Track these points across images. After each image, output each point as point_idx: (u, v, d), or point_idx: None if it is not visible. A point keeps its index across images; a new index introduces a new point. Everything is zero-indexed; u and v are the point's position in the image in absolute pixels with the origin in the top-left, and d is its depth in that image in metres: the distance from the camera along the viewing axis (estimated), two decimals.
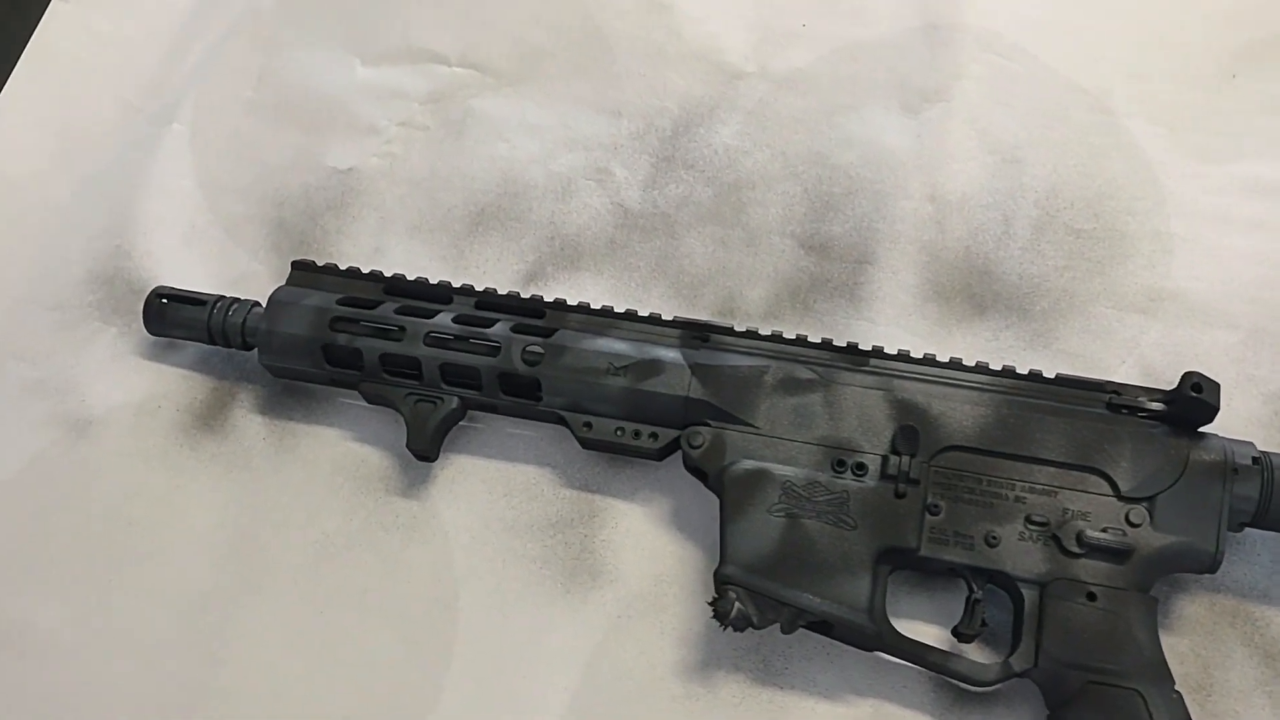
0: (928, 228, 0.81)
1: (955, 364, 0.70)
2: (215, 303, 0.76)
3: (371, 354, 0.73)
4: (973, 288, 0.79)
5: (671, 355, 0.71)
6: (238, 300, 0.76)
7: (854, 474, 0.67)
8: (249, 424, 0.77)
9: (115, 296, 0.82)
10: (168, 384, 0.79)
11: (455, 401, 0.73)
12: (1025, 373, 0.69)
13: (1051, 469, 0.67)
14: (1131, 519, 0.65)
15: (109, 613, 0.72)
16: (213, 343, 0.76)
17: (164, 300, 0.77)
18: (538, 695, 0.69)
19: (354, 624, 0.71)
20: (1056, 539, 0.65)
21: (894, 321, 0.79)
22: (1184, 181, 0.82)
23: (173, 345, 0.80)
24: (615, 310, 0.74)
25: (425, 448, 0.72)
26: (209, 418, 0.78)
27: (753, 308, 0.80)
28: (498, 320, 0.73)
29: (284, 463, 0.76)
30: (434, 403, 0.73)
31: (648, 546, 0.73)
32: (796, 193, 0.84)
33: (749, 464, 0.68)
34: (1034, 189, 0.82)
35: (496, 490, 0.75)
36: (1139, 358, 0.77)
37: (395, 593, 0.72)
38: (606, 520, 0.74)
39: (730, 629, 0.65)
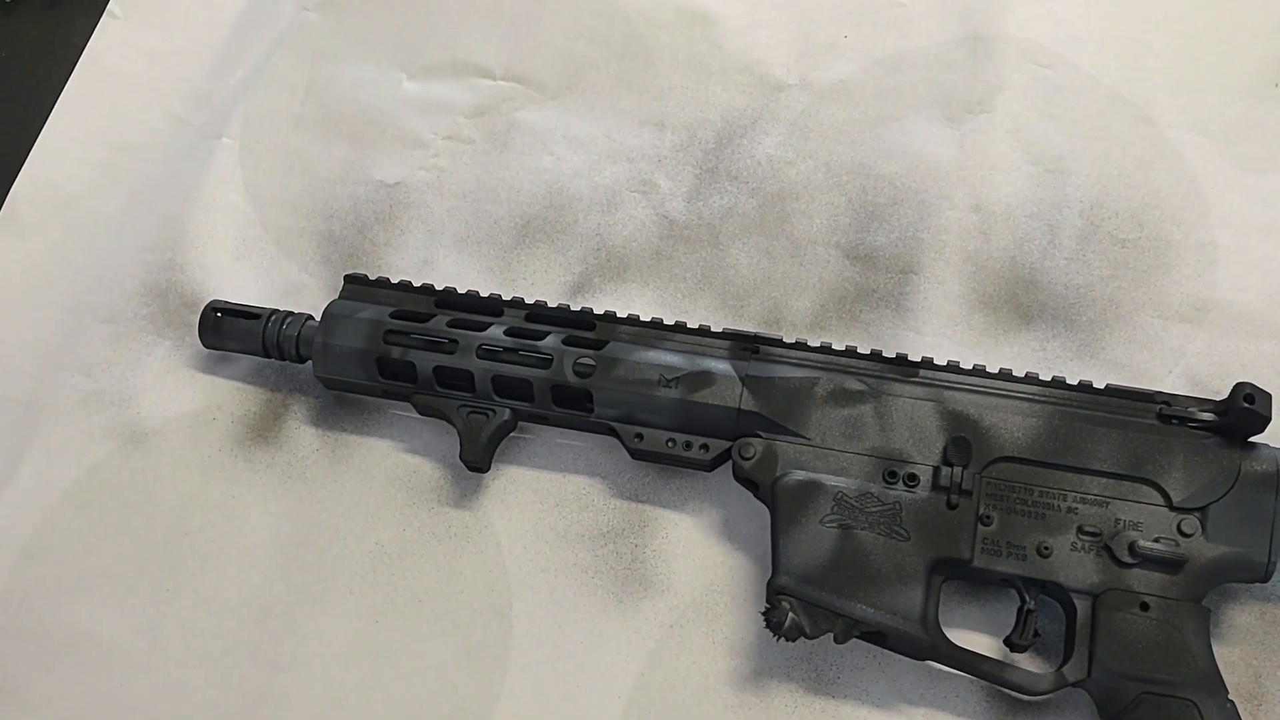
0: (972, 238, 0.82)
1: (1005, 375, 0.70)
2: (270, 316, 0.77)
3: (425, 367, 0.74)
4: (1019, 298, 0.80)
5: (722, 367, 0.71)
6: (291, 314, 0.77)
7: (906, 485, 0.68)
8: (302, 435, 0.78)
9: (169, 309, 0.83)
10: (222, 396, 0.80)
11: (507, 413, 0.73)
12: (1075, 383, 0.70)
13: (1103, 479, 0.67)
14: (1184, 529, 0.65)
15: (168, 622, 0.73)
16: (267, 355, 0.77)
17: (219, 314, 0.78)
18: (592, 704, 0.70)
19: (410, 632, 0.72)
20: (1109, 549, 0.66)
21: (940, 332, 0.79)
22: (1228, 192, 0.82)
23: (226, 357, 0.81)
24: (665, 322, 0.74)
25: (478, 459, 0.73)
26: (263, 429, 0.79)
27: (798, 318, 0.80)
28: (549, 333, 0.74)
29: (338, 473, 0.77)
30: (486, 414, 0.74)
31: (698, 556, 0.73)
32: (840, 203, 0.84)
33: (801, 475, 0.69)
34: (1078, 199, 0.83)
35: (548, 500, 0.75)
36: (1185, 368, 0.77)
37: (450, 602, 0.73)
38: (657, 530, 0.74)
39: (783, 639, 0.65)
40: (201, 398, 0.80)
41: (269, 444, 0.78)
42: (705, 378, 0.71)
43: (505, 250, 0.84)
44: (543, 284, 0.83)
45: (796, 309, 0.81)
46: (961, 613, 0.70)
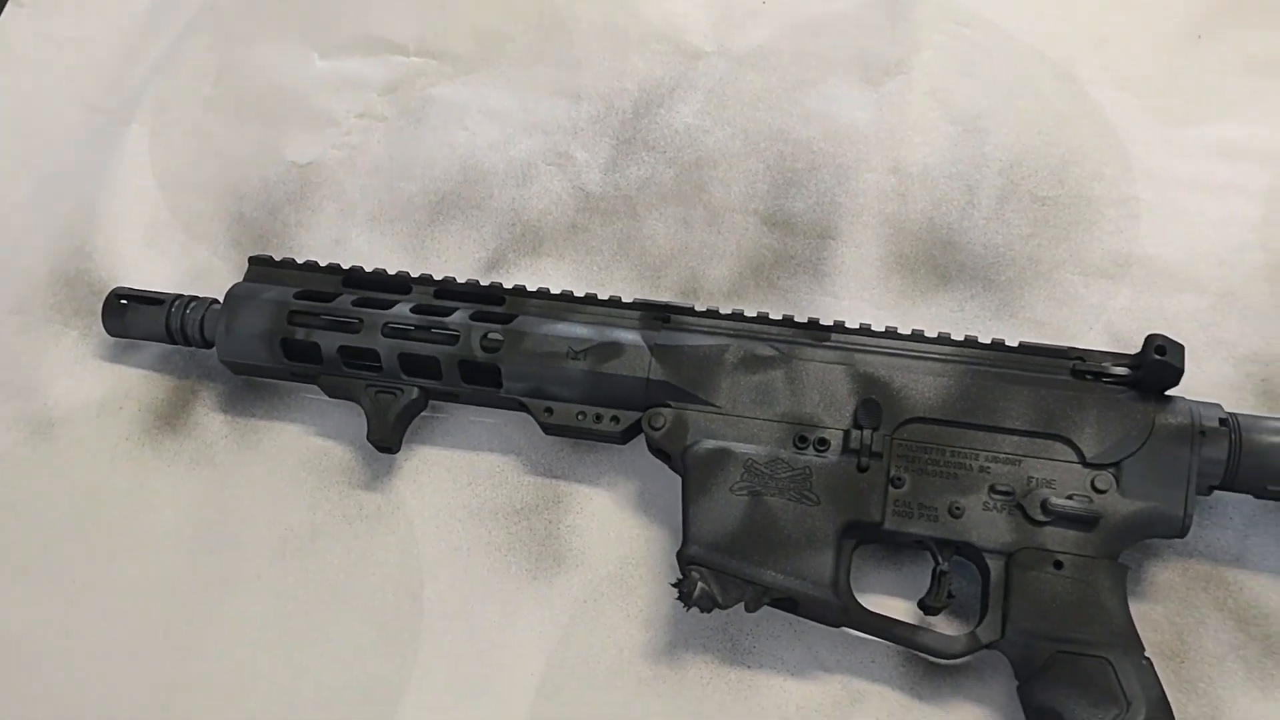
0: (891, 200, 0.81)
1: (917, 336, 0.69)
2: (174, 301, 0.75)
3: (330, 347, 0.72)
4: (937, 259, 0.79)
5: (631, 337, 0.70)
6: (196, 298, 0.76)
7: (816, 450, 0.67)
8: (211, 421, 0.77)
9: (76, 298, 0.82)
10: (129, 384, 0.78)
11: (416, 392, 0.72)
12: (988, 342, 0.69)
13: (1016, 438, 0.66)
14: (1098, 485, 0.64)
15: (76, 612, 0.72)
16: (172, 342, 0.76)
17: (123, 301, 0.76)
18: (505, 681, 0.68)
19: (321, 616, 0.71)
20: (1022, 508, 0.65)
21: (857, 295, 0.78)
22: (1151, 146, 0.81)
23: (134, 345, 0.79)
24: (575, 295, 0.73)
25: (387, 439, 0.72)
26: (171, 416, 0.77)
27: (716, 287, 0.79)
28: (457, 309, 0.72)
29: (247, 459, 0.76)
30: (394, 394, 0.72)
31: (613, 530, 0.72)
32: (758, 170, 0.83)
33: (711, 443, 0.67)
34: (997, 158, 0.81)
35: (461, 479, 0.74)
36: (1106, 324, 0.76)
37: (361, 584, 0.72)
38: (571, 505, 0.73)
39: (696, 610, 0.64)
40: (109, 386, 0.78)
41: (177, 432, 0.77)
42: (614, 348, 0.70)
43: (419, 227, 0.83)
44: (457, 260, 0.81)
45: (714, 278, 0.80)
46: (877, 577, 0.69)
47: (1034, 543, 0.64)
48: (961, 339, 0.69)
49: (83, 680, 0.71)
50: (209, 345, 0.75)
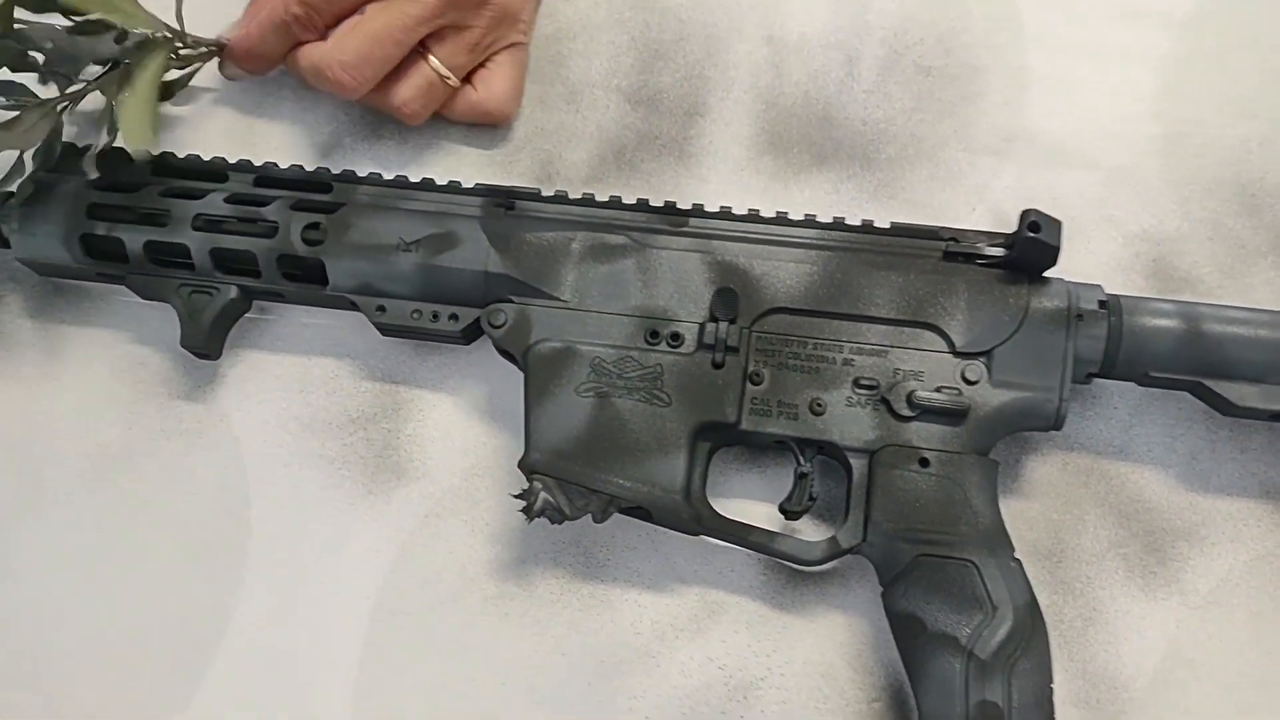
0: (764, 73, 0.74)
1: (781, 219, 0.63)
2: None
3: (134, 243, 0.65)
4: (812, 137, 0.73)
5: (469, 227, 0.64)
6: None
7: (669, 345, 0.61)
8: (16, 330, 0.70)
9: None
10: None
11: (234, 291, 0.65)
12: (857, 224, 0.63)
13: (882, 327, 0.61)
14: (967, 376, 0.60)
15: None
16: None
17: None
18: (340, 605, 0.63)
19: (136, 540, 0.65)
20: (886, 402, 0.60)
21: (726, 178, 0.72)
22: (1044, 10, 0.75)
23: None
24: (410, 180, 0.66)
25: (202, 344, 0.65)
26: None
27: (574, 172, 0.72)
28: (277, 198, 0.65)
29: (55, 370, 0.69)
30: (209, 293, 0.65)
31: (458, 439, 0.66)
32: (622, 42, 0.76)
33: (555, 343, 0.62)
34: (880, 26, 0.75)
35: (291, 387, 0.68)
36: (991, 204, 0.71)
37: (181, 504, 0.66)
38: (412, 413, 0.67)
39: (544, 521, 0.59)
40: None
41: None
42: (449, 239, 0.63)
43: (244, 112, 0.75)
44: (287, 147, 0.73)
45: (571, 162, 0.73)
46: (739, 480, 0.64)
47: (899, 439, 0.59)
48: (828, 221, 0.63)
49: None
50: (6, 245, 0.67)
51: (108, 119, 0.64)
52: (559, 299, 0.62)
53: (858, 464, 0.60)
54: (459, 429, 0.67)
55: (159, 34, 0.66)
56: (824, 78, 0.74)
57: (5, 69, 0.64)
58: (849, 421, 0.60)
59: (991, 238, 0.62)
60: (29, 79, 0.65)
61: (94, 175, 0.64)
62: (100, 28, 0.65)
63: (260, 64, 0.72)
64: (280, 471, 0.66)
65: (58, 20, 0.65)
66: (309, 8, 0.67)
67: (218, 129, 0.74)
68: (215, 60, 0.72)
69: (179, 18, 0.68)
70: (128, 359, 0.69)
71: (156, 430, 0.67)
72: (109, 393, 0.68)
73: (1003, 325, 0.60)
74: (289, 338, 0.69)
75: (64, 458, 0.67)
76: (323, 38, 0.69)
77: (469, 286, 0.63)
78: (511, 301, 0.63)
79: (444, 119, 0.72)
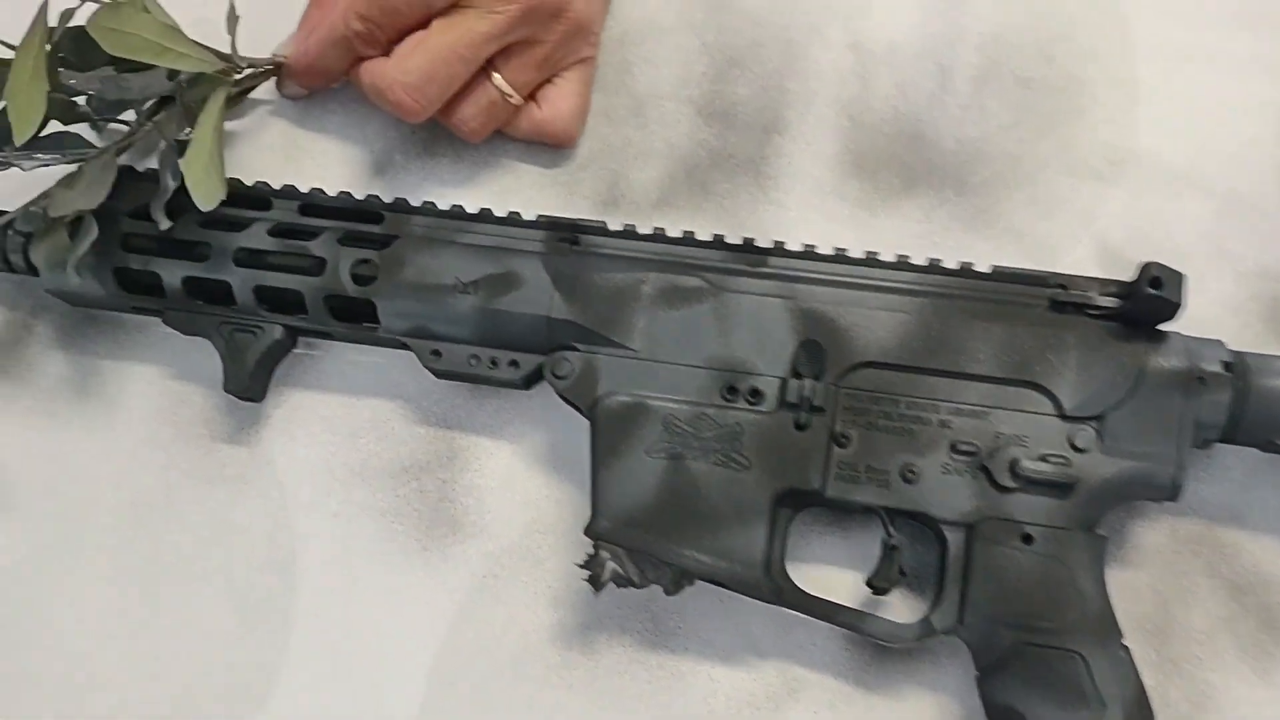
0: (848, 84, 0.68)
1: (872, 260, 0.58)
2: None
3: (172, 278, 0.61)
4: (901, 157, 0.67)
5: (531, 266, 0.59)
6: (27, 210, 0.63)
7: (748, 402, 0.56)
8: (47, 362, 0.66)
9: None
10: None
11: (279, 331, 0.61)
12: (955, 267, 0.58)
13: (982, 386, 0.56)
14: (1076, 443, 0.54)
15: None
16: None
17: None
18: (392, 670, 0.60)
19: (177, 597, 0.61)
20: (986, 470, 0.55)
21: (807, 203, 0.66)
22: (1156, 16, 0.68)
23: None
24: (467, 210, 0.61)
25: (245, 387, 0.61)
26: (1, 357, 0.66)
27: (641, 193, 0.67)
28: (324, 229, 0.61)
29: (89, 408, 0.65)
30: (253, 333, 0.61)
31: (518, 490, 0.62)
32: (693, 48, 0.70)
33: (624, 397, 0.57)
34: (976, 31, 0.68)
35: (339, 431, 0.63)
36: (1096, 235, 0.65)
37: (224, 558, 0.62)
38: (469, 461, 0.63)
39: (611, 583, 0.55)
40: None
41: (8, 375, 0.66)
42: (510, 280, 0.59)
43: (292, 124, 0.70)
44: (337, 163, 0.68)
45: (639, 182, 0.67)
46: (821, 545, 0.60)
47: (1000, 512, 0.54)
48: (923, 264, 0.58)
49: None
50: (36, 272, 0.63)
51: (169, 163, 0.59)
52: (628, 347, 0.57)
53: (953, 537, 0.55)
54: (519, 480, 0.62)
55: (215, 69, 0.61)
56: (914, 90, 0.68)
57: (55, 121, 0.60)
58: (944, 491, 0.55)
59: (1103, 285, 0.56)
60: (80, 127, 0.61)
61: (165, 226, 0.59)
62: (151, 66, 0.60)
63: (320, 81, 0.66)
64: (329, 523, 0.62)
65: None
66: (370, 23, 0.62)
67: (264, 143, 0.69)
68: (272, 78, 0.67)
69: (233, 47, 0.63)
70: (167, 396, 0.65)
71: (198, 476, 0.63)
72: (147, 433, 0.64)
73: (1116, 387, 0.55)
74: (337, 376, 0.64)
75: (101, 505, 0.63)
76: (386, 53, 0.63)
77: (531, 332, 0.59)
78: (577, 349, 0.58)
79: (504, 135, 0.67)
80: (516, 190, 0.67)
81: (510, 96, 0.64)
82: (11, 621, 0.62)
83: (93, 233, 0.58)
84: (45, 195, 0.60)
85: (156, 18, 0.60)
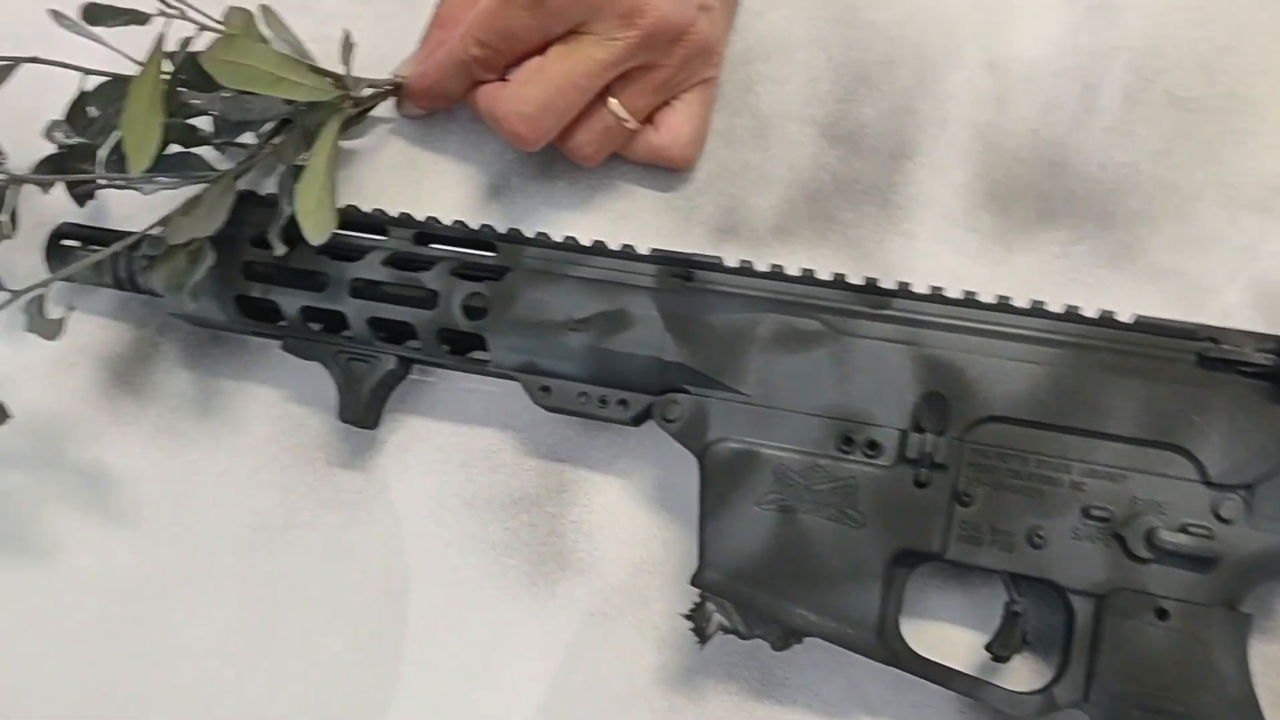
0: (985, 107, 0.64)
1: (1003, 306, 0.55)
2: (120, 241, 0.64)
3: (290, 307, 0.61)
4: (1039, 186, 0.63)
5: (643, 303, 0.57)
6: (148, 235, 0.65)
7: (865, 455, 0.54)
8: (173, 381, 0.67)
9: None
10: (84, 335, 0.69)
11: (393, 361, 0.61)
12: (1094, 315, 0.54)
13: (1120, 446, 0.52)
14: (1221, 513, 0.51)
15: (20, 610, 0.65)
16: (121, 288, 0.65)
17: (65, 242, 0.66)
18: (499, 707, 0.60)
19: (294, 621, 0.62)
20: (1120, 539, 0.51)
21: (936, 234, 0.63)
22: None
23: (88, 288, 0.69)
24: (580, 243, 0.60)
25: (360, 416, 0.61)
26: (130, 374, 0.68)
27: (760, 220, 0.65)
28: (438, 260, 0.60)
29: (213, 427, 0.66)
30: (368, 362, 0.61)
31: (627, 528, 0.61)
32: (819, 64, 0.67)
33: (735, 444, 0.55)
34: (1127, 46, 0.64)
35: (453, 459, 0.63)
36: (1254, 276, 0.60)
37: (340, 584, 0.63)
38: (578, 496, 0.62)
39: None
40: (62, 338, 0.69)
41: (137, 392, 0.67)
42: (621, 319, 0.57)
43: (410, 143, 0.69)
44: (454, 185, 0.68)
45: (758, 208, 0.65)
46: (940, 600, 0.57)
47: (1133, 583, 0.51)
48: (1060, 311, 0.54)
49: (24, 683, 0.64)
50: (158, 294, 0.65)
51: (287, 189, 0.59)
52: (741, 392, 0.56)
53: (1082, 607, 0.52)
54: (628, 517, 0.61)
55: (330, 97, 0.61)
56: (1056, 112, 0.63)
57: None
58: (1074, 557, 0.52)
59: (1259, 341, 0.52)
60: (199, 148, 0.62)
61: (280, 252, 0.60)
62: None
63: (440, 102, 0.66)
64: (441, 553, 0.62)
65: None
66: (488, 48, 0.61)
67: (382, 161, 0.69)
68: (391, 99, 0.67)
69: (349, 72, 0.62)
70: (287, 419, 0.66)
71: (316, 501, 0.64)
72: (268, 455, 0.65)
73: (1269, 454, 0.51)
74: (451, 404, 0.64)
75: (224, 525, 0.64)
76: (504, 77, 0.62)
77: (641, 373, 0.57)
78: (688, 392, 0.56)
79: (621, 157, 0.65)
80: (632, 215, 0.66)
81: (626, 121, 0.62)
82: (137, 634, 0.64)
83: (209, 259, 0.59)
84: (164, 221, 0.60)
85: (273, 46, 0.60)
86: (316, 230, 0.58)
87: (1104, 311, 0.54)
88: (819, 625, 0.53)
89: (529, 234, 0.60)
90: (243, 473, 0.65)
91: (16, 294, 0.59)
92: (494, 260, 0.60)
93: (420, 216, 0.62)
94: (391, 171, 0.69)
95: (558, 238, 0.60)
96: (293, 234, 0.59)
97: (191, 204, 0.60)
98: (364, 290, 0.60)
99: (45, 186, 0.63)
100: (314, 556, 0.63)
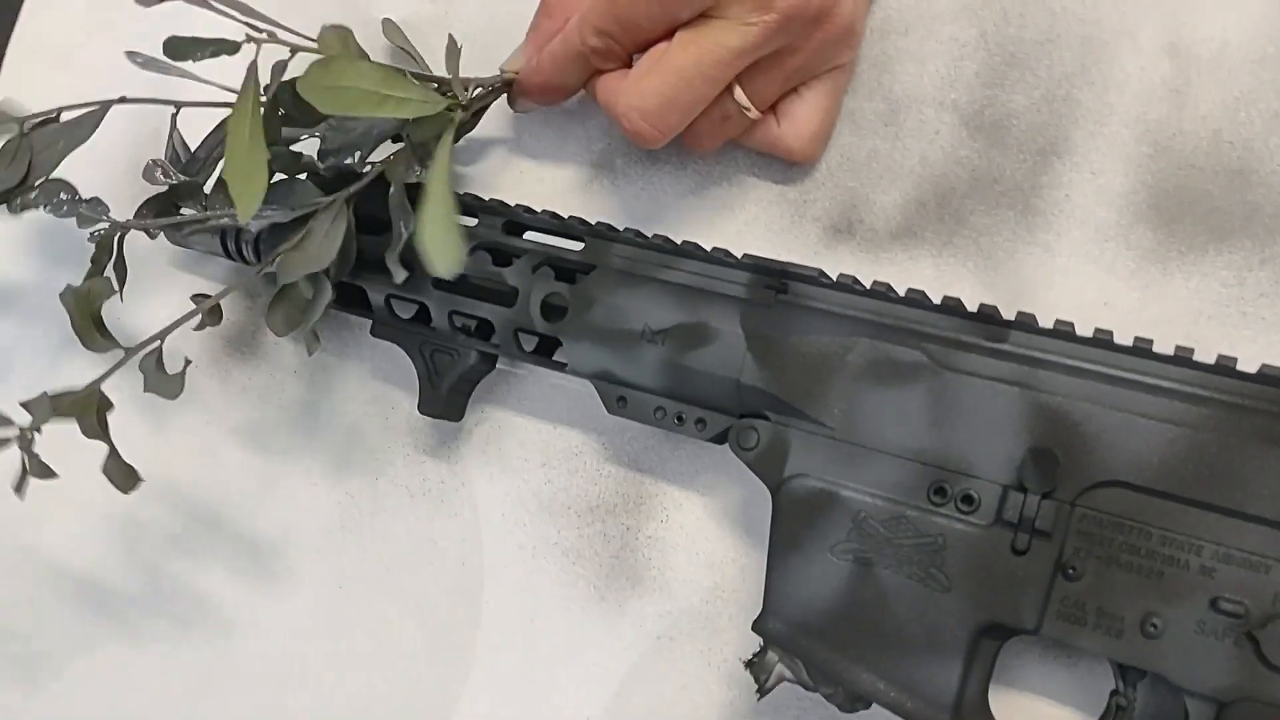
0: (1158, 99, 0.55)
1: (1143, 350, 0.47)
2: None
3: (377, 295, 0.60)
4: (1215, 198, 0.53)
5: (727, 317, 0.52)
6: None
7: (958, 509, 0.48)
8: (281, 352, 0.67)
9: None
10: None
11: (474, 356, 0.59)
12: (1252, 372, 0.45)
13: (1264, 530, 0.44)
14: None
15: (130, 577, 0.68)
16: (229, 258, 0.66)
17: (179, 208, 0.67)
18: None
19: (374, 608, 0.63)
20: (1254, 640, 0.44)
21: (1082, 250, 0.55)
22: None
23: (205, 256, 0.70)
24: (671, 242, 0.55)
25: (439, 410, 0.59)
26: (241, 343, 0.69)
27: (880, 219, 0.58)
28: (522, 252, 0.57)
29: (313, 400, 0.66)
30: (451, 355, 0.59)
31: (704, 549, 0.57)
32: (968, 40, 0.58)
33: (813, 482, 0.50)
34: None
35: (534, 458, 0.61)
36: None
37: (419, 574, 0.62)
38: (655, 510, 0.59)
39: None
40: (178, 303, 0.70)
41: (246, 361, 0.68)
42: (700, 333, 0.53)
43: (511, 120, 0.66)
44: (555, 165, 0.64)
45: (880, 206, 0.58)
46: (1040, 671, 0.51)
47: (1263, 694, 0.43)
48: (1210, 364, 0.46)
49: (125, 656, 0.67)
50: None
51: (400, 210, 0.56)
52: (824, 424, 0.50)
53: (1198, 711, 0.45)
54: (705, 538, 0.58)
55: (440, 108, 0.56)
56: (1247, 110, 0.53)
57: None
58: (1195, 654, 0.44)
59: None
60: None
61: (401, 278, 0.56)
62: None
63: (557, 96, 0.61)
64: (516, 554, 0.60)
65: None
66: (608, 38, 0.55)
67: (480, 137, 0.66)
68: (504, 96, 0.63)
69: (456, 77, 0.58)
70: (379, 402, 0.65)
71: (402, 486, 0.63)
72: (360, 436, 0.65)
73: None
74: (536, 399, 0.62)
75: (315, 503, 0.65)
76: (627, 64, 0.57)
77: (719, 393, 0.53)
78: (767, 419, 0.51)
79: (735, 143, 0.60)
80: (740, 206, 0.60)
81: (748, 110, 0.56)
82: (224, 607, 0.65)
83: (326, 296, 0.57)
84: (275, 258, 0.57)
85: (374, 63, 0.55)
86: (446, 263, 0.51)
87: (1266, 366, 0.45)
88: (886, 695, 0.48)
89: (623, 225, 0.56)
90: (338, 450, 0.65)
91: (130, 351, 0.57)
92: (580, 257, 0.56)
93: (512, 201, 0.59)
94: (486, 149, 0.65)
95: (653, 229, 0.56)
96: (410, 257, 0.55)
97: (303, 241, 0.56)
98: (447, 283, 0.58)
99: (150, 232, 0.62)
100: (397, 544, 0.63)
